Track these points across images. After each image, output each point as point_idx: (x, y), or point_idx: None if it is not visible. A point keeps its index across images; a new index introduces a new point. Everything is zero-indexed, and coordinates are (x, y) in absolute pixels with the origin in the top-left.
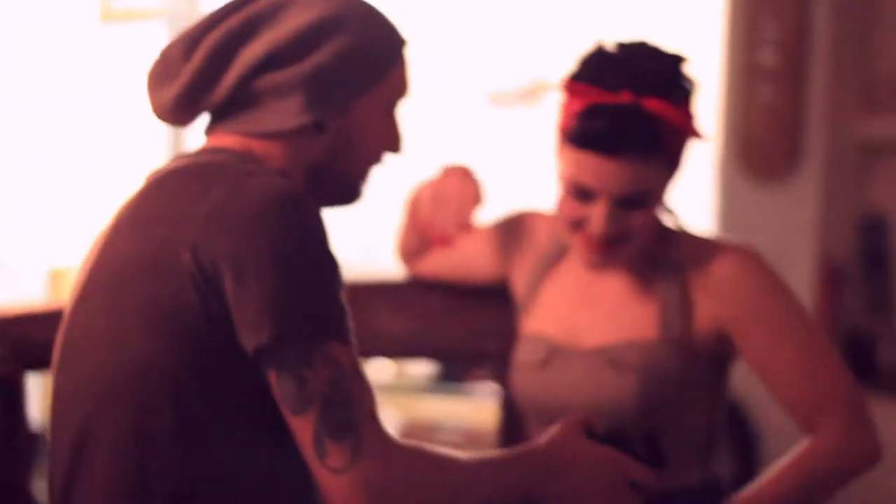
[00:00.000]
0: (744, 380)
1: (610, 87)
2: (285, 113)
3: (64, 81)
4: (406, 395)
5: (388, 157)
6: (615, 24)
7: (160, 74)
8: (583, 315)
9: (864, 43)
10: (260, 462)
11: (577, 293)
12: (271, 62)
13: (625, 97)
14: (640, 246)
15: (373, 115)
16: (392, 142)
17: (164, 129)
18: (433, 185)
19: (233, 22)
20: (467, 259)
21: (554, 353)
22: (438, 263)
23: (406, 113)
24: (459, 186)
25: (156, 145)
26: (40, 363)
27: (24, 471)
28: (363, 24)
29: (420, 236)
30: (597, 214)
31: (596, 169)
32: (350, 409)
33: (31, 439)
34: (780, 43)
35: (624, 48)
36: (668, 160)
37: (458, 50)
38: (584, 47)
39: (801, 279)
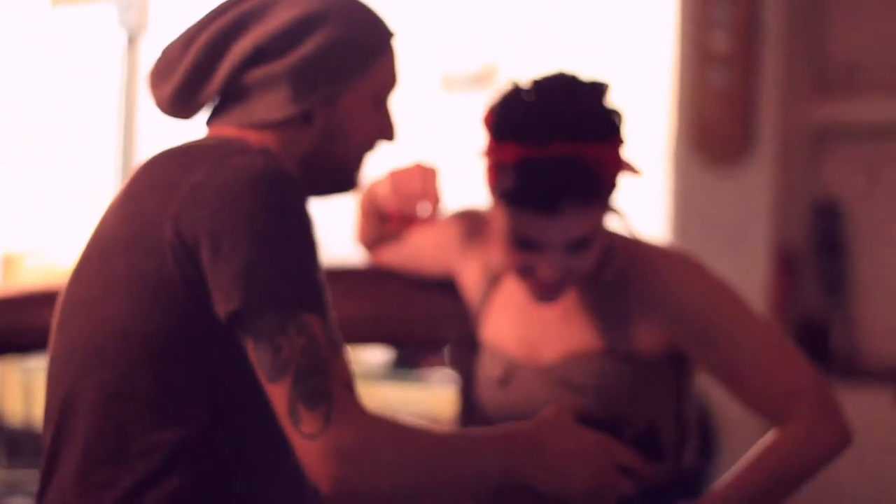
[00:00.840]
0: (701, 374)
1: (541, 140)
2: (273, 104)
3: (14, 67)
4: (361, 382)
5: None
6: (568, 9)
7: (160, 72)
8: (535, 330)
9: (816, 28)
10: (236, 427)
11: (527, 306)
12: (259, 56)
13: (557, 149)
14: (584, 277)
15: (360, 104)
16: (384, 130)
17: (113, 112)
18: (393, 178)
19: (224, 20)
20: (418, 255)
21: (512, 371)
22: (392, 257)
23: None
24: (420, 180)
25: (107, 129)
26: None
27: None
28: (347, 18)
29: (377, 228)
30: (545, 264)
31: (538, 225)
32: (324, 377)
33: None
34: (732, 28)
35: (541, 93)
36: (607, 200)
37: (409, 34)
38: (536, 33)
39: (755, 264)
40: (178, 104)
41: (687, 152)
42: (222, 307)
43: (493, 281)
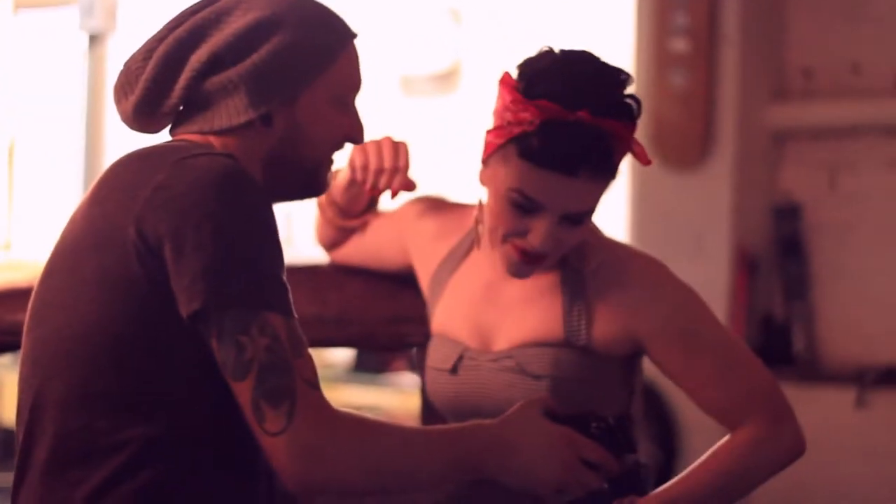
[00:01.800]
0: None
1: (569, 105)
2: (233, 110)
3: None
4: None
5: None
6: (528, 11)
7: (122, 86)
8: (489, 317)
9: (774, 31)
10: (203, 423)
11: (483, 293)
12: (216, 64)
13: (584, 117)
14: (560, 257)
15: (321, 106)
16: (349, 131)
17: (79, 115)
18: (364, 150)
19: (181, 31)
20: (378, 246)
21: (463, 358)
22: (352, 252)
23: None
24: (391, 152)
25: (72, 131)
26: None
27: None
28: (301, 22)
29: (335, 224)
30: (539, 229)
31: (550, 186)
32: (286, 375)
33: None
34: (690, 30)
35: (574, 62)
36: (613, 178)
37: (368, 35)
38: (504, 33)
39: (716, 266)
40: (142, 118)
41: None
42: (186, 307)
43: (448, 270)
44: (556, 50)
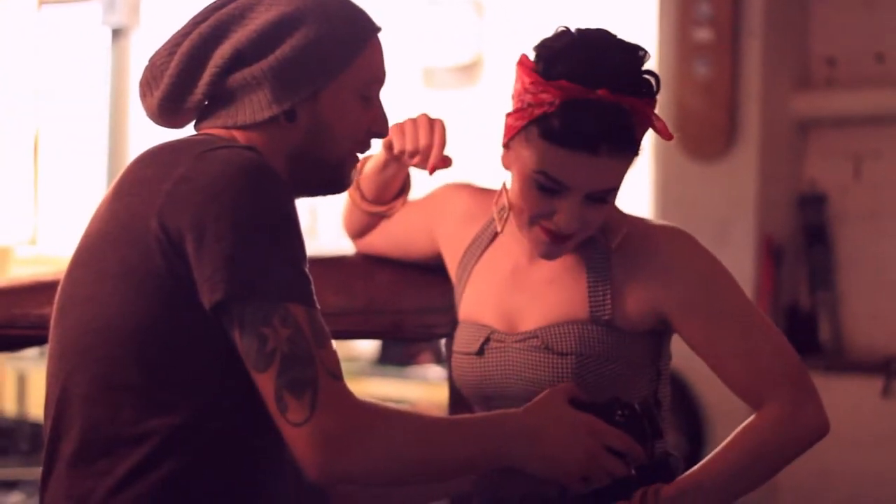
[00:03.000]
0: (689, 358)
1: (588, 83)
2: (256, 106)
3: (3, 65)
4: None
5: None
6: (553, 1)
7: (147, 82)
8: (516, 300)
9: (797, 20)
10: (227, 414)
11: (509, 278)
12: (240, 60)
13: (604, 95)
14: (587, 236)
15: (344, 101)
16: (373, 126)
17: (103, 110)
18: (401, 126)
19: (205, 26)
20: (406, 233)
21: (490, 340)
22: (380, 241)
23: None
24: (427, 128)
25: (96, 126)
26: None
27: None
28: (324, 17)
29: (364, 211)
30: (565, 209)
31: (573, 165)
32: (309, 366)
33: None
34: (713, 20)
35: (591, 40)
36: (635, 156)
37: (390, 27)
38: (526, 25)
39: (741, 256)
40: (166, 113)
41: (670, 144)
42: (208, 299)
43: (474, 256)
44: (573, 29)
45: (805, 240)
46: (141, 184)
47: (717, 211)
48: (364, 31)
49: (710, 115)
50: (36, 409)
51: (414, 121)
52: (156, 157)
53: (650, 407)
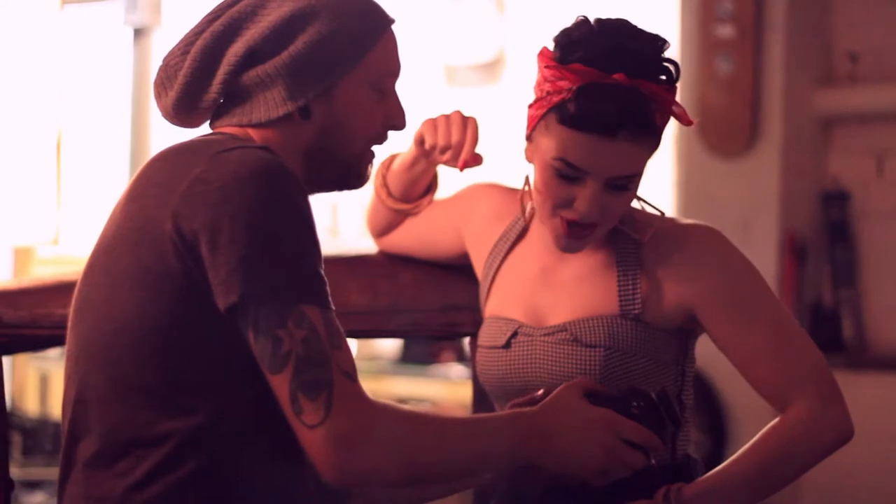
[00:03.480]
0: (714, 358)
1: (606, 68)
2: (270, 103)
3: (26, 65)
4: (370, 377)
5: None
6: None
7: (162, 82)
8: (544, 296)
9: (820, 15)
10: (244, 414)
11: (538, 275)
12: (253, 58)
13: (620, 79)
14: (609, 229)
15: (359, 94)
16: (390, 119)
17: (125, 109)
18: (434, 122)
19: (218, 25)
20: (432, 231)
21: (517, 334)
22: (404, 239)
23: None
24: (460, 125)
25: (118, 126)
26: (13, 344)
27: (2, 453)
28: (336, 11)
29: (390, 207)
30: (585, 196)
31: (591, 150)
32: (324, 368)
33: (6, 420)
34: (735, 16)
35: (610, 27)
36: (656, 143)
37: (411, 24)
38: (547, 23)
39: (764, 253)
40: (182, 113)
41: (693, 141)
42: (222, 300)
43: (501, 253)
44: (592, 19)
45: (828, 237)
46: (156, 185)
47: (739, 208)
48: (377, 24)
49: (732, 112)
50: (59, 409)
51: (447, 117)
52: (170, 159)
53: (667, 395)
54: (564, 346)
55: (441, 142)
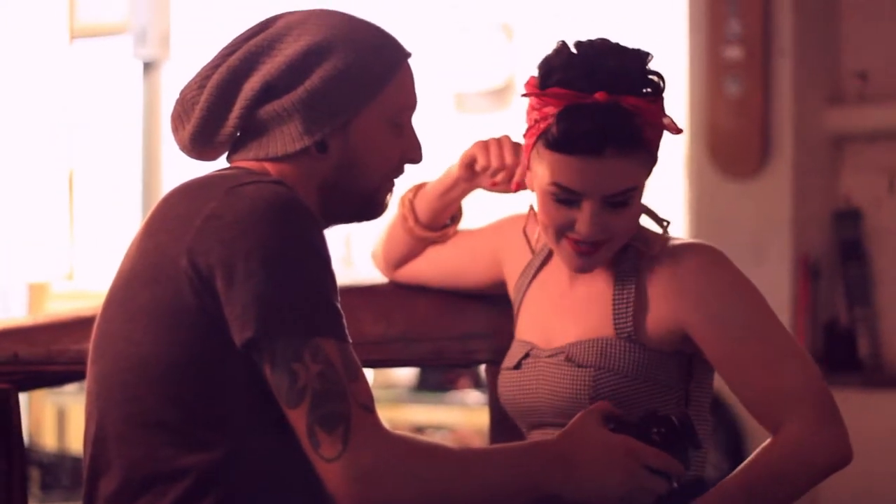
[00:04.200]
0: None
1: (585, 88)
2: (287, 137)
3: (35, 100)
4: (387, 405)
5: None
6: (582, 23)
7: (178, 115)
8: (556, 318)
9: (828, 35)
10: (262, 448)
11: (555, 299)
12: (270, 92)
13: (601, 97)
14: (620, 246)
15: (375, 129)
16: (406, 153)
17: (136, 143)
18: (484, 145)
19: (234, 59)
20: (463, 259)
21: (528, 355)
22: (426, 269)
23: None
24: (511, 149)
25: (130, 159)
26: (30, 380)
27: (21, 490)
28: (353, 46)
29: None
30: (584, 216)
31: (581, 171)
32: (341, 401)
33: (24, 456)
34: (744, 38)
35: (589, 48)
36: (649, 156)
37: (421, 51)
38: (549, 49)
39: (778, 274)
40: (199, 147)
41: (704, 163)
42: (238, 335)
43: (528, 280)
44: (572, 43)
45: (841, 256)
46: (171, 221)
47: (752, 230)
48: (393, 58)
49: (742, 134)
50: (77, 444)
51: (498, 140)
52: (185, 194)
53: (689, 419)
54: (561, 367)
55: (495, 163)
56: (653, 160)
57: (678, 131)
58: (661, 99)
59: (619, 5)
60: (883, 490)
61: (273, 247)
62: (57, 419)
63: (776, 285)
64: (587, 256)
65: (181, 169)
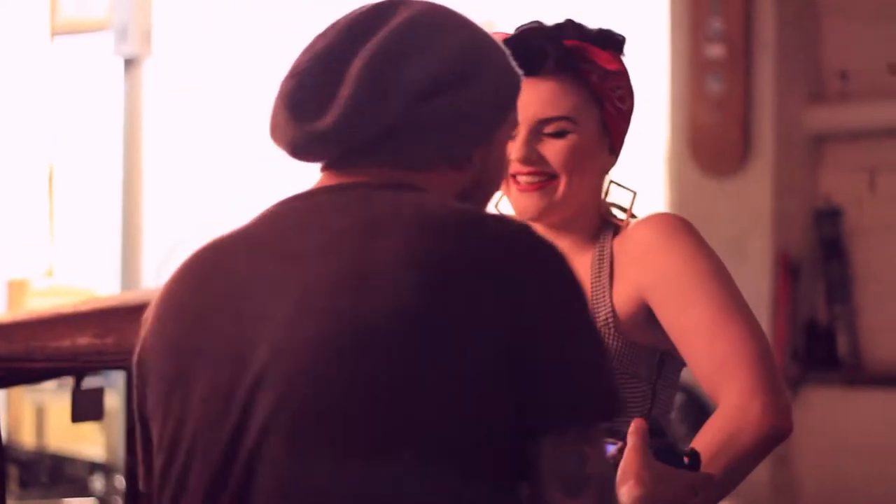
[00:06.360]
0: None
1: (531, 32)
2: (450, 142)
3: (16, 96)
4: None
5: None
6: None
7: (299, 105)
8: None
9: (809, 34)
10: None
11: None
12: (434, 91)
13: (541, 32)
14: (575, 209)
15: (502, 143)
16: (507, 168)
17: (117, 139)
18: None
19: (373, 46)
20: None
21: None
22: None
23: None
24: None
25: (110, 156)
26: (8, 377)
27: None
28: (499, 50)
29: None
30: (517, 141)
31: (521, 98)
32: (615, 493)
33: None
34: (725, 36)
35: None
36: (592, 96)
37: None
38: None
39: (758, 272)
40: (331, 144)
41: (685, 161)
42: (541, 418)
43: None
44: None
45: (821, 254)
46: (378, 262)
47: (732, 227)
48: (520, 67)
49: (723, 132)
50: (54, 441)
51: None
52: (363, 232)
53: (698, 459)
54: None
55: None
56: (596, 102)
57: (613, 67)
58: (609, 49)
59: (602, 3)
60: (862, 486)
61: (578, 316)
62: (35, 416)
63: (756, 283)
64: (528, 194)
65: (161, 164)
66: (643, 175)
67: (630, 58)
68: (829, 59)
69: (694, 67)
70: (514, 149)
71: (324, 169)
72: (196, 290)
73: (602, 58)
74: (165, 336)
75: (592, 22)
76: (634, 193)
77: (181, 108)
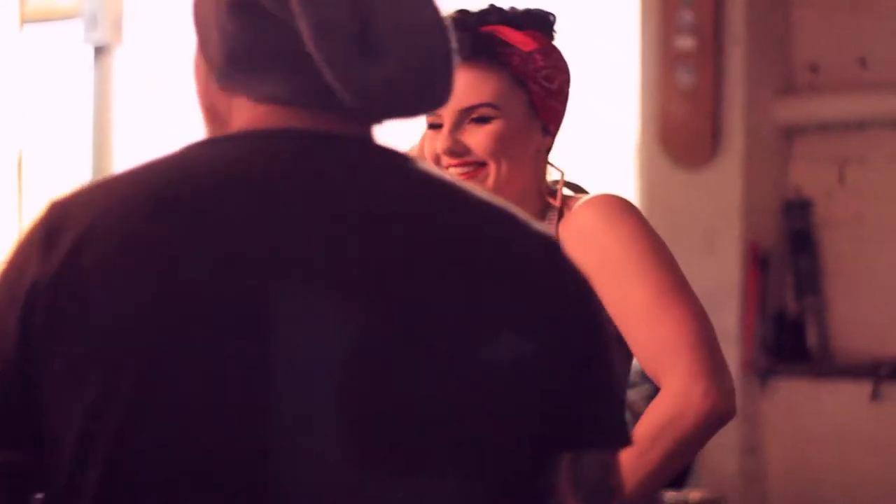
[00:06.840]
0: None
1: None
2: None
3: None
4: None
5: None
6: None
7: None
8: None
9: (780, 27)
10: None
11: None
12: None
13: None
14: (514, 194)
15: None
16: None
17: (87, 127)
18: None
19: None
20: None
21: None
22: None
23: None
24: None
25: (80, 144)
26: None
27: None
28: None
29: None
30: (442, 131)
31: None
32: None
33: None
34: (695, 28)
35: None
36: (514, 80)
37: None
38: None
39: (727, 263)
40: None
41: (655, 152)
42: (583, 434)
43: None
44: None
45: (791, 246)
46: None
47: (702, 219)
48: None
49: (693, 123)
50: None
51: None
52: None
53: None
54: None
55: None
56: (520, 85)
57: (529, 47)
58: (532, 29)
59: None
60: (831, 478)
61: (602, 337)
62: None
63: (726, 275)
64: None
65: (132, 154)
66: (613, 166)
67: (599, 49)
68: (799, 51)
69: (664, 59)
70: (440, 141)
71: (273, 102)
72: (178, 230)
73: (518, 39)
74: (138, 276)
75: (562, 15)
76: (563, 173)
77: (152, 97)
